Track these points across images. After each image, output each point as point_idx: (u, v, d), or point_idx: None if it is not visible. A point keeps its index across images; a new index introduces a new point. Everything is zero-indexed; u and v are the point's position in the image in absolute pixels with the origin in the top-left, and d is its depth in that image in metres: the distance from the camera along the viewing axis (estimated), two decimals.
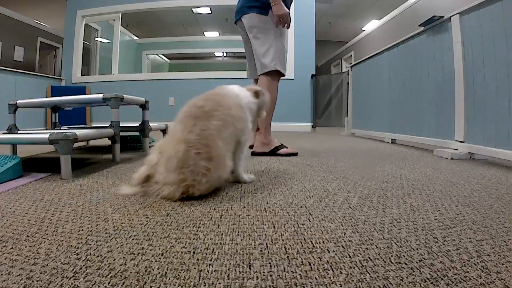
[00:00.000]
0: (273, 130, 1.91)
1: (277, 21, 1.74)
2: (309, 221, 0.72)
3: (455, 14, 1.85)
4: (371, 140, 3.04)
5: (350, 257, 0.54)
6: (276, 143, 1.85)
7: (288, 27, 1.80)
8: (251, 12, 1.79)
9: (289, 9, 1.84)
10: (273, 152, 1.83)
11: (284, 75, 1.85)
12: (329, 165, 1.49)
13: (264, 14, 1.76)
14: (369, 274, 0.48)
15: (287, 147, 1.87)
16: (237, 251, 0.56)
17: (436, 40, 2.11)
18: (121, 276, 0.47)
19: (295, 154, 1.86)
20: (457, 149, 1.81)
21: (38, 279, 0.46)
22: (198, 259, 0.53)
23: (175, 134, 0.91)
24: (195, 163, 0.86)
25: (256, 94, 1.17)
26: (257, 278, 0.47)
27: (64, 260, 0.53)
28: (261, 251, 0.57)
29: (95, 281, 0.46)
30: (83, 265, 0.51)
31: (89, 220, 0.73)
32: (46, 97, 4.51)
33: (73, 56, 4.95)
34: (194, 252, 0.56)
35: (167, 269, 0.50)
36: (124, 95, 1.66)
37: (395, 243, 0.60)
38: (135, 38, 7.44)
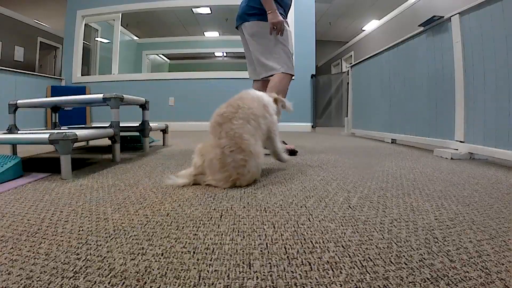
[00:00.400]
0: None
1: (271, 29, 1.79)
2: (309, 221, 0.72)
3: (455, 14, 1.84)
4: (371, 140, 3.04)
5: (350, 257, 0.54)
6: None
7: (281, 34, 1.83)
8: (252, 20, 1.85)
9: (287, 15, 1.91)
10: None
11: (293, 75, 1.91)
12: (329, 165, 1.49)
13: (265, 20, 1.81)
14: (369, 274, 0.48)
15: (286, 144, 1.90)
16: (237, 251, 0.56)
17: (436, 40, 2.11)
18: (121, 276, 0.47)
19: (295, 152, 1.87)
20: (457, 149, 1.81)
21: (38, 279, 0.46)
22: (198, 259, 0.53)
23: (210, 139, 1.07)
24: (234, 159, 1.01)
25: (275, 101, 1.34)
26: (257, 278, 0.47)
27: (64, 260, 0.53)
28: (261, 251, 0.57)
29: (95, 281, 0.46)
30: (83, 265, 0.51)
31: (89, 220, 0.73)
32: (46, 97, 4.51)
33: (73, 56, 4.95)
34: (194, 252, 0.56)
35: (167, 269, 0.50)
36: (124, 95, 1.66)
37: (395, 243, 0.60)
38: (135, 38, 7.43)
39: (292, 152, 1.86)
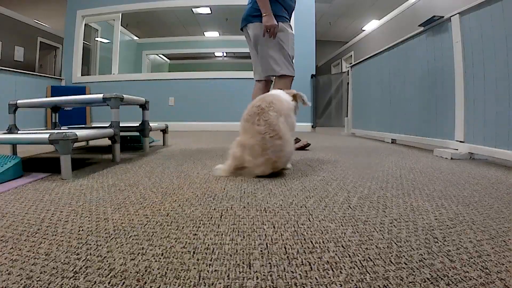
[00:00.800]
0: None
1: (264, 31, 1.82)
2: (309, 221, 0.72)
3: (455, 14, 1.84)
4: (371, 140, 3.04)
5: (350, 257, 0.54)
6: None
7: (274, 37, 1.86)
8: (255, 22, 1.89)
9: (290, 17, 1.98)
10: None
11: (294, 76, 1.98)
12: (329, 165, 1.49)
13: None
14: (369, 274, 0.48)
15: (300, 139, 2.07)
16: (237, 251, 0.56)
17: (436, 40, 2.10)
18: (121, 276, 0.47)
19: (306, 146, 2.06)
20: (457, 149, 1.81)
21: (38, 279, 0.46)
22: (198, 259, 0.53)
23: (246, 130, 1.20)
24: (273, 144, 1.13)
25: (294, 97, 1.46)
26: (257, 278, 0.47)
27: (64, 260, 0.53)
28: (261, 251, 0.57)
29: (95, 281, 0.46)
30: (83, 265, 0.51)
31: (89, 220, 0.73)
32: (46, 97, 4.51)
33: (73, 56, 4.95)
34: (194, 252, 0.56)
35: (167, 269, 0.50)
36: (124, 95, 1.66)
37: (395, 243, 0.60)
38: (135, 38, 7.43)
39: (304, 147, 2.06)
